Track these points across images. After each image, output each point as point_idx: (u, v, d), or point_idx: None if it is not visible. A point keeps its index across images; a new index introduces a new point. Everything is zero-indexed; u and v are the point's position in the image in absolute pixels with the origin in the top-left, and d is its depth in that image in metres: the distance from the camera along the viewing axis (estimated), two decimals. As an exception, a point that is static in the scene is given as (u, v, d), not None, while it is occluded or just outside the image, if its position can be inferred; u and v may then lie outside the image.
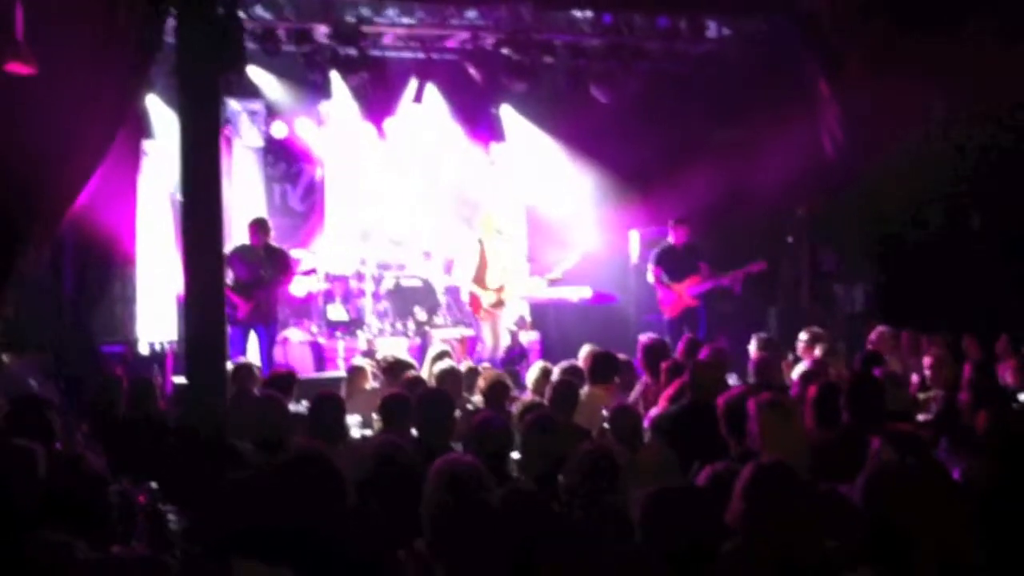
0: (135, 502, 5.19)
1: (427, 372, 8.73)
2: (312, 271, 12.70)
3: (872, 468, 3.74)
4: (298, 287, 12.87)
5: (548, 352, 12.79)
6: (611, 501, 4.40)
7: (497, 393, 7.46)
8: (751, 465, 3.86)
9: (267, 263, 11.37)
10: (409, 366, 8.85)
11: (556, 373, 8.01)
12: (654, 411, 7.28)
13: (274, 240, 11.81)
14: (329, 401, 6.61)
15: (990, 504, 4.64)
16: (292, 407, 7.25)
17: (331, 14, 12.20)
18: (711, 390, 6.52)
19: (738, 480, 3.82)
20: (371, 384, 8.88)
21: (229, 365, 8.43)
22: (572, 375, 7.86)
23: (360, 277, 13.07)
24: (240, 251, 11.37)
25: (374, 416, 7.18)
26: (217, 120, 8.38)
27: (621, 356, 8.64)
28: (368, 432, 7.43)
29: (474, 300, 11.94)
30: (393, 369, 8.65)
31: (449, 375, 8.03)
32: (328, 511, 4.78)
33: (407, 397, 6.76)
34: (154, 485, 5.32)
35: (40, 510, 4.32)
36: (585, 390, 7.72)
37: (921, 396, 8.29)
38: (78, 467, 4.52)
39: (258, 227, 11.62)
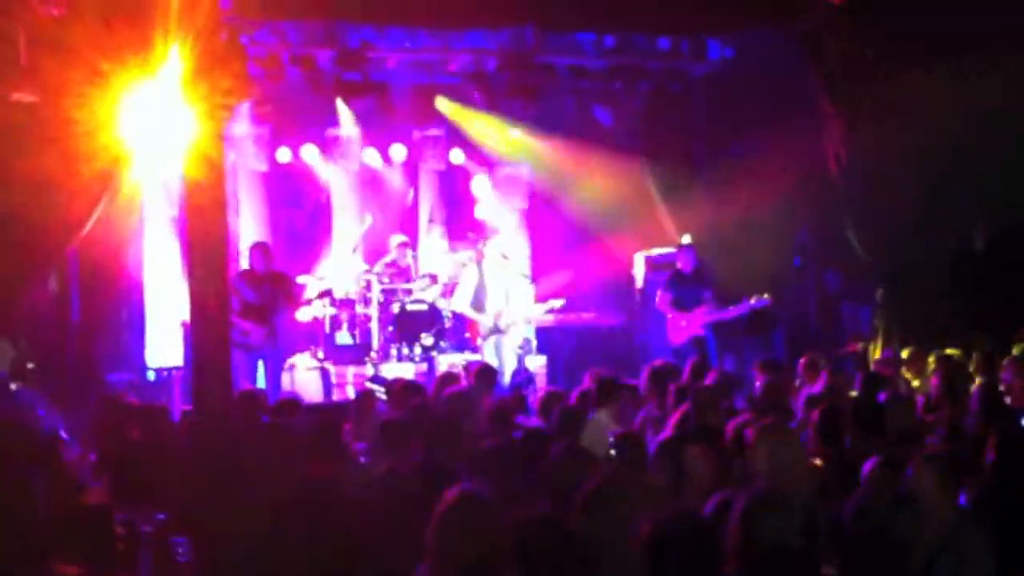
0: (140, 532, 5.20)
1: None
2: (327, 293, 12.70)
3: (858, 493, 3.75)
4: (303, 312, 12.87)
5: (554, 376, 12.81)
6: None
7: (501, 419, 7.44)
8: (743, 495, 3.87)
9: (272, 288, 11.38)
10: (417, 390, 8.82)
11: (565, 398, 8.00)
12: (661, 436, 7.25)
13: (277, 265, 11.82)
14: (330, 426, 6.60)
15: (998, 529, 4.64)
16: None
17: (334, 39, 12.25)
18: (715, 416, 6.51)
19: (734, 509, 3.83)
20: (380, 411, 8.85)
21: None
22: (579, 399, 7.85)
23: (366, 302, 13.07)
24: (245, 276, 11.38)
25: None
26: (221, 147, 8.39)
27: (627, 380, 8.61)
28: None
29: (472, 326, 11.96)
30: (401, 394, 8.62)
31: (457, 399, 8.00)
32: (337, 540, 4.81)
33: (407, 421, 6.75)
34: (161, 516, 5.34)
35: (45, 542, 4.32)
36: (592, 414, 7.70)
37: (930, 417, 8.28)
38: (82, 499, 4.52)
39: (260, 252, 11.62)
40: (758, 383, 8.79)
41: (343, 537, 4.85)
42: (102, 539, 4.26)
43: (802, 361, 9.77)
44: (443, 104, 13.68)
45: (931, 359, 9.50)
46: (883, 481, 5.04)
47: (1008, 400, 8.05)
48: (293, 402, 8.28)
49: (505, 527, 4.15)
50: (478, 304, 11.83)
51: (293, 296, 11.80)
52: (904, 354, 9.80)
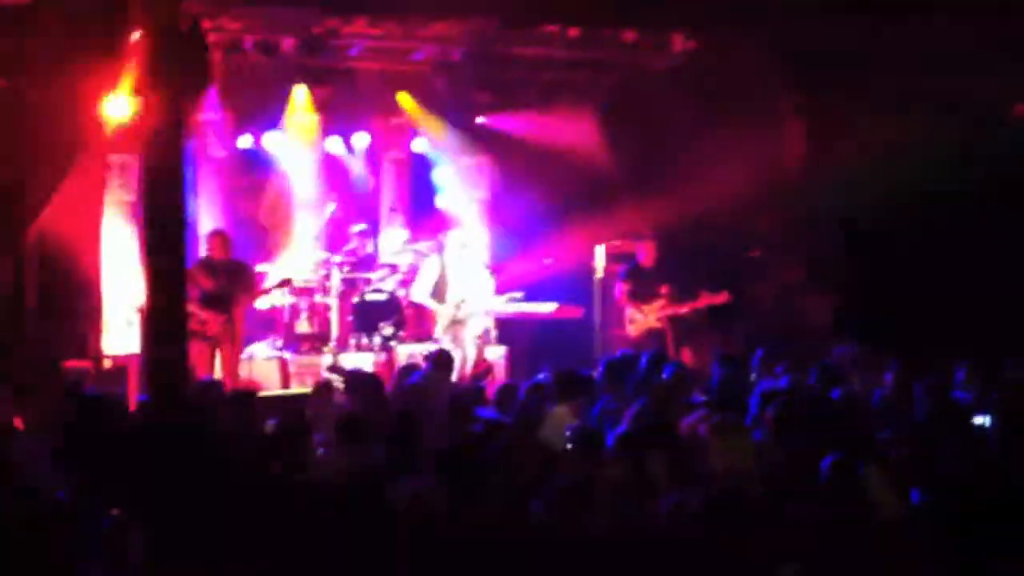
0: (97, 527, 5.18)
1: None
2: (287, 282, 12.68)
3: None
4: (263, 301, 12.82)
5: (514, 367, 12.84)
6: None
7: (461, 413, 7.47)
8: (701, 497, 3.92)
9: (231, 277, 11.34)
10: (376, 383, 8.83)
11: (522, 391, 8.03)
12: (618, 429, 7.29)
13: (236, 252, 11.77)
14: (294, 426, 6.60)
15: (948, 533, 4.72)
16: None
17: (298, 25, 12.17)
18: (672, 411, 6.57)
19: (689, 512, 3.88)
20: (338, 401, 8.86)
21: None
22: (537, 393, 7.88)
23: (326, 291, 13.04)
24: (203, 264, 11.33)
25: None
26: (181, 134, 8.33)
27: (585, 373, 8.66)
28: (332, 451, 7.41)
29: (430, 319, 12.00)
30: (359, 387, 8.63)
31: (417, 392, 8.03)
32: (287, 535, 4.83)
33: (365, 416, 6.78)
34: (116, 511, 5.31)
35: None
36: (551, 408, 7.73)
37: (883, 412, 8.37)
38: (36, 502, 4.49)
39: (219, 239, 11.58)
40: (714, 379, 8.88)
41: (303, 534, 4.87)
42: (57, 539, 4.21)
43: (758, 354, 9.87)
44: (404, 99, 13.66)
45: (887, 356, 9.61)
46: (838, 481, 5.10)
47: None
48: (250, 393, 8.27)
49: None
50: (438, 295, 11.87)
51: (251, 286, 11.77)
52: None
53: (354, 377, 9.09)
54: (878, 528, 3.87)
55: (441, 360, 9.61)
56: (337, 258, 13.19)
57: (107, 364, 12.11)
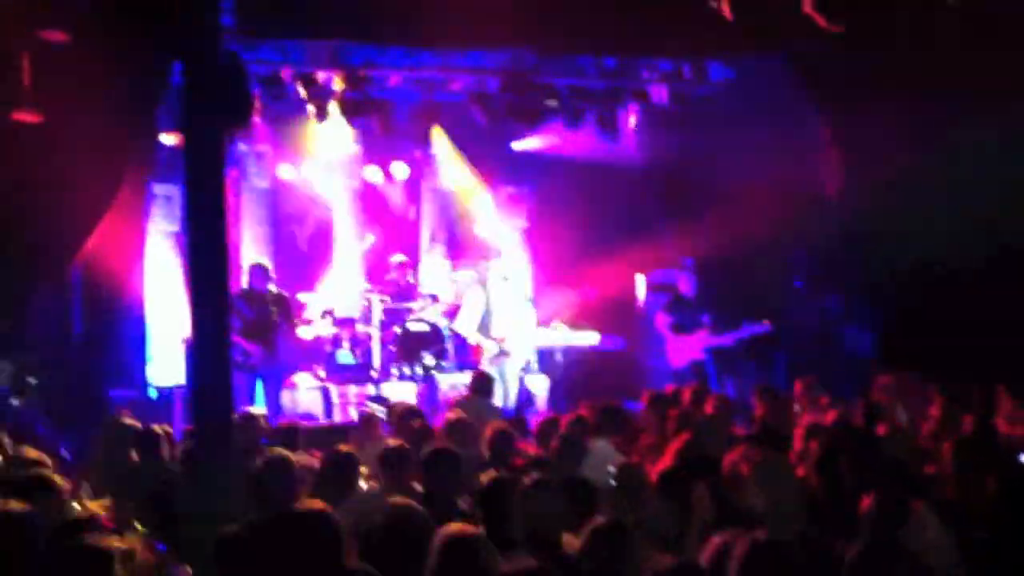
0: (139, 559, 5.20)
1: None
2: (330, 312, 12.73)
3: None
4: (306, 330, 12.89)
5: (555, 397, 12.81)
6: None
7: (502, 447, 7.44)
8: (745, 542, 3.88)
9: (272, 307, 11.42)
10: (418, 415, 8.83)
11: (562, 425, 8.00)
12: (660, 464, 7.24)
13: (278, 282, 11.86)
14: (342, 461, 6.60)
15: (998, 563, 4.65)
16: (297, 457, 7.23)
17: (337, 57, 12.27)
18: (715, 446, 6.52)
19: (732, 558, 3.84)
20: (382, 433, 8.85)
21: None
22: (579, 427, 7.84)
23: (367, 321, 13.08)
24: (245, 295, 11.40)
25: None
26: (223, 166, 8.36)
27: (626, 406, 8.63)
28: (376, 484, 7.40)
29: (476, 350, 12.01)
30: (403, 418, 8.62)
31: (458, 426, 8.01)
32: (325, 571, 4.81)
33: (408, 450, 6.77)
34: (162, 547, 5.33)
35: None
36: (592, 442, 7.69)
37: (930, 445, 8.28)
38: (80, 534, 4.50)
39: (260, 270, 11.68)
40: (756, 411, 8.81)
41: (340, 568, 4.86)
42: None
43: (798, 387, 9.79)
44: (439, 135, 13.75)
45: (932, 386, 9.49)
46: (881, 523, 5.03)
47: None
48: (292, 428, 8.28)
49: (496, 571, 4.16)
50: (483, 328, 11.89)
51: (292, 316, 11.85)
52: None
53: (396, 409, 9.07)
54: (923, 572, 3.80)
55: (480, 385, 9.62)
56: (378, 288, 13.23)
57: (153, 393, 12.22)
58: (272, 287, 11.69)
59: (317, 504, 5.10)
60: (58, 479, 5.96)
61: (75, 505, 5.95)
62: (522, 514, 5.51)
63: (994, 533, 5.04)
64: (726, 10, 10.17)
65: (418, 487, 6.52)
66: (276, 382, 11.50)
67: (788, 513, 5.36)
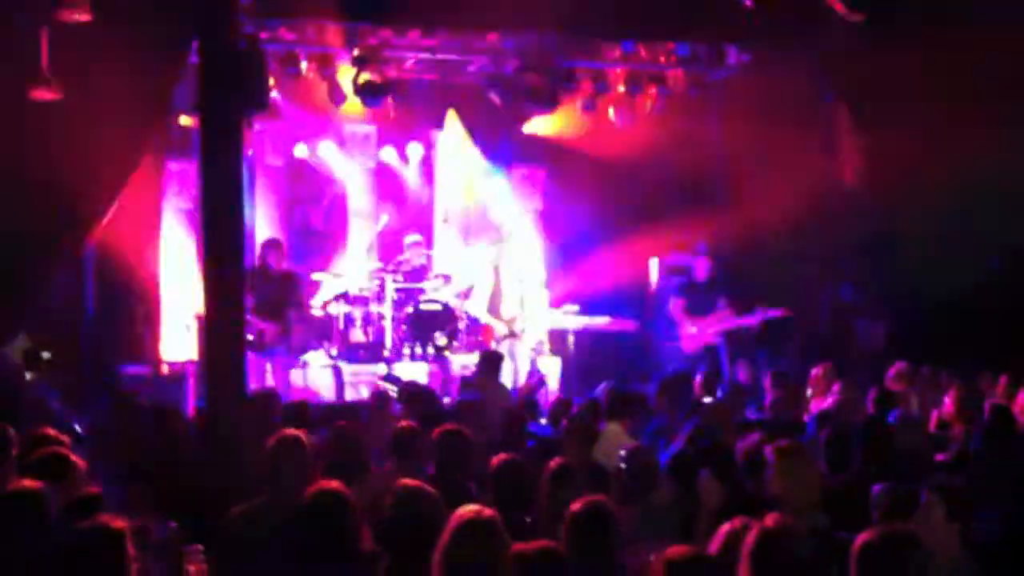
0: (153, 541, 5.23)
1: None
2: (343, 296, 12.80)
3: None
4: (316, 310, 12.94)
5: (567, 379, 12.82)
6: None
7: (515, 430, 7.47)
8: (756, 530, 3.89)
9: (285, 286, 11.46)
10: (431, 395, 8.85)
11: (574, 408, 8.02)
12: (670, 448, 7.27)
13: (292, 261, 11.88)
14: (348, 438, 6.63)
15: (1003, 556, 4.65)
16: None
17: (353, 38, 12.26)
18: (726, 432, 6.54)
19: (743, 545, 3.86)
20: (394, 412, 8.86)
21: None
22: (590, 410, 7.87)
23: (380, 300, 13.09)
24: (259, 273, 11.42)
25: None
26: (239, 145, 8.41)
27: (637, 390, 8.65)
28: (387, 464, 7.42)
29: (487, 330, 12.03)
30: (413, 400, 8.65)
31: (468, 408, 8.04)
32: (340, 552, 4.85)
33: (419, 431, 6.80)
34: (173, 524, 5.37)
35: (51, 557, 4.35)
36: (604, 426, 7.71)
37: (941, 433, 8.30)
38: (93, 512, 4.54)
39: (274, 249, 11.71)
40: (767, 396, 8.83)
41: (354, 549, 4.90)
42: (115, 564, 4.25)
43: (814, 373, 9.80)
44: (453, 117, 13.74)
45: (945, 375, 9.50)
46: (889, 512, 5.04)
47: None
48: (302, 406, 8.30)
49: (509, 553, 4.18)
50: (493, 308, 11.91)
51: (303, 295, 11.88)
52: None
53: (408, 389, 9.09)
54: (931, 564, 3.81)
55: (489, 364, 9.63)
56: (391, 268, 13.24)
57: (165, 370, 12.27)
58: (285, 265, 11.72)
59: (332, 485, 5.14)
60: (72, 457, 6.01)
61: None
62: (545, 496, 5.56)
63: (1007, 524, 5.04)
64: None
65: (429, 468, 6.56)
66: (286, 362, 11.54)
67: (805, 501, 5.37)
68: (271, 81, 11.59)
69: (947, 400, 8.58)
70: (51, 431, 6.73)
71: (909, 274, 11.78)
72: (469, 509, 4.29)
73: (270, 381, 11.25)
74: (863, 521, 5.03)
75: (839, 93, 11.83)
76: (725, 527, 4.26)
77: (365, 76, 12.22)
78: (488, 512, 4.24)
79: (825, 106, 12.00)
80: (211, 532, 5.42)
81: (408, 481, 5.11)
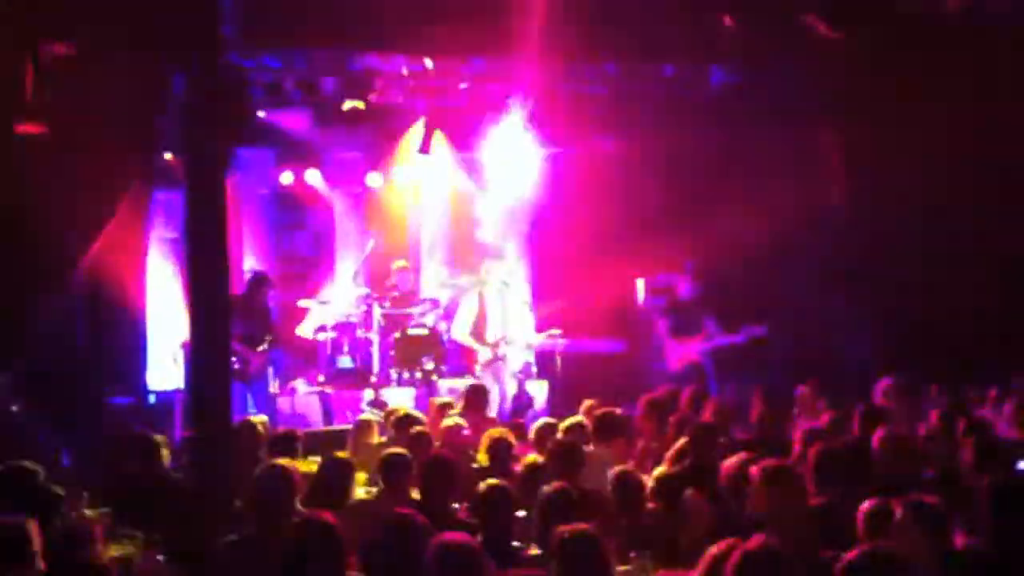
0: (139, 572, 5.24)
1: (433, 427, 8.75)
2: (322, 328, 12.87)
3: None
4: (304, 337, 12.98)
5: (554, 400, 12.82)
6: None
7: (500, 453, 7.48)
8: (739, 551, 3.91)
9: (270, 316, 11.54)
10: (416, 421, 8.85)
11: (560, 432, 8.02)
12: (657, 471, 7.27)
13: (279, 289, 11.92)
14: (338, 468, 6.64)
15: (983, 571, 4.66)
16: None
17: (338, 65, 12.31)
18: (712, 451, 6.55)
19: (728, 567, 3.87)
20: (378, 439, 8.88)
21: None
22: (576, 434, 7.87)
23: (367, 326, 13.11)
24: (244, 303, 11.45)
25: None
26: (223, 176, 8.44)
27: (622, 411, 8.64)
28: (374, 490, 7.44)
29: (470, 354, 12.04)
30: (400, 424, 8.65)
31: (454, 433, 8.04)
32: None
33: (407, 457, 6.81)
34: (160, 557, 5.37)
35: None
36: (590, 449, 7.72)
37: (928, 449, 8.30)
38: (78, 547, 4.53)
39: (258, 279, 11.77)
40: (754, 415, 8.84)
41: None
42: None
43: (801, 391, 9.82)
44: (439, 141, 13.79)
45: (932, 389, 9.53)
46: (873, 530, 5.05)
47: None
48: (291, 435, 8.30)
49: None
50: (477, 332, 11.91)
51: (273, 329, 11.95)
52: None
53: (393, 415, 9.09)
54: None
55: (474, 399, 9.64)
56: (378, 294, 13.26)
57: (152, 399, 12.24)
58: (270, 295, 11.80)
59: (319, 514, 5.15)
60: (57, 489, 6.00)
61: (73, 515, 5.96)
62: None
63: (987, 541, 5.06)
64: (728, 19, 10.23)
65: (416, 494, 6.57)
66: (265, 391, 11.57)
67: (792, 522, 5.38)
68: (259, 113, 11.65)
69: (933, 415, 8.59)
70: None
71: (896, 288, 11.83)
72: (449, 536, 4.30)
73: (252, 410, 11.27)
74: (850, 540, 5.05)
75: (823, 112, 11.90)
76: (712, 550, 4.27)
77: (350, 103, 12.28)
78: (467, 539, 4.25)
79: (810, 125, 12.06)
80: (199, 563, 5.42)
81: (397, 509, 5.12)
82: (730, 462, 6.12)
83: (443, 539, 4.26)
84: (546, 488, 5.77)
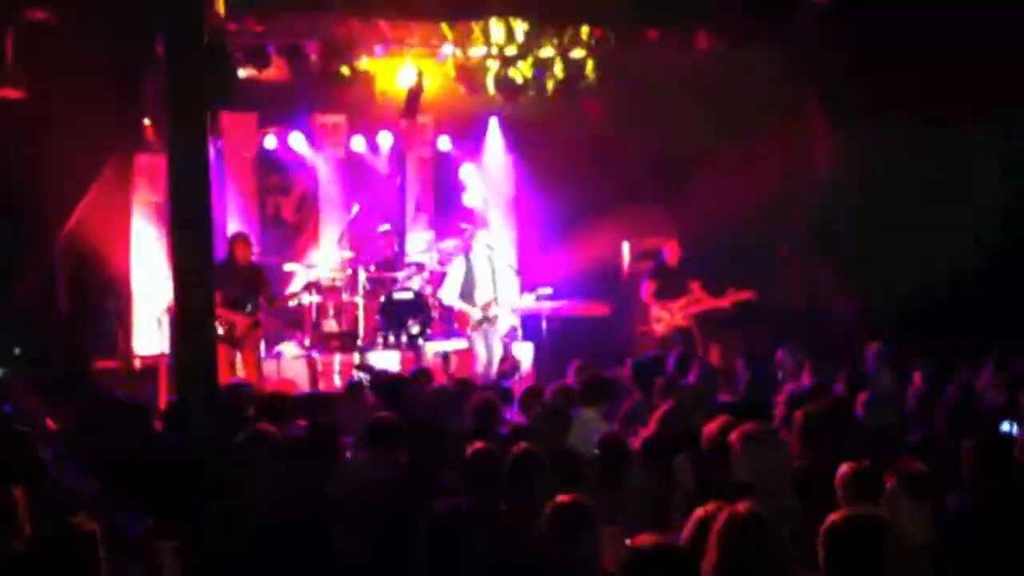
0: (128, 539, 5.23)
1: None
2: (312, 285, 12.83)
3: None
4: (287, 301, 12.95)
5: (540, 364, 12.87)
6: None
7: (487, 416, 7.48)
8: (726, 515, 3.93)
9: (254, 279, 11.49)
10: (402, 385, 8.86)
11: (547, 395, 8.03)
12: (644, 432, 7.29)
13: (263, 252, 11.89)
14: (323, 433, 6.64)
15: (972, 535, 4.70)
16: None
17: (321, 29, 12.23)
18: (697, 416, 6.57)
19: (712, 530, 3.89)
20: (369, 401, 8.87)
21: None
22: (563, 397, 7.88)
23: (352, 290, 13.09)
24: (227, 267, 11.41)
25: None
26: (206, 139, 8.40)
27: (609, 374, 8.67)
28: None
29: (461, 316, 12.09)
30: (386, 390, 8.65)
31: (440, 396, 8.05)
32: (315, 550, 4.86)
33: (394, 421, 6.81)
34: (149, 521, 5.36)
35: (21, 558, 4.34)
36: (577, 412, 7.73)
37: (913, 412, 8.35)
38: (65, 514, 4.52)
39: (241, 242, 11.71)
40: (740, 379, 8.87)
41: (328, 546, 4.91)
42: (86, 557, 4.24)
43: (783, 354, 9.85)
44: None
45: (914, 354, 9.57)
46: (854, 494, 5.08)
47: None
48: (280, 398, 8.30)
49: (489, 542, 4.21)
50: (466, 295, 11.94)
51: (270, 287, 11.90)
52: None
53: (380, 379, 9.10)
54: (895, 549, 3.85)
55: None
56: (363, 258, 13.24)
57: (137, 364, 12.23)
58: (253, 259, 11.72)
59: (307, 480, 5.16)
60: (45, 455, 6.00)
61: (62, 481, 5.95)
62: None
63: (974, 503, 5.09)
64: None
65: (401, 458, 6.57)
66: (257, 354, 11.54)
67: (775, 486, 5.40)
68: (239, 72, 11.56)
69: (917, 379, 8.64)
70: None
71: (883, 253, 11.85)
72: (446, 502, 4.31)
73: (241, 374, 11.26)
74: (834, 504, 5.08)
75: (810, 80, 11.88)
76: (697, 513, 4.29)
77: (333, 66, 12.21)
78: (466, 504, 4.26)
79: (797, 92, 12.04)
80: (185, 529, 5.43)
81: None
82: (711, 426, 6.13)
83: (436, 508, 4.26)
84: (513, 449, 5.76)
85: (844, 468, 5.23)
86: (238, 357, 11.43)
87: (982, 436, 5.60)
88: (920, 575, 4.47)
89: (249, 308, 11.39)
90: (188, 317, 8.00)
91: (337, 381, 12.17)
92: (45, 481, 5.71)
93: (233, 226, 13.30)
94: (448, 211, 14.71)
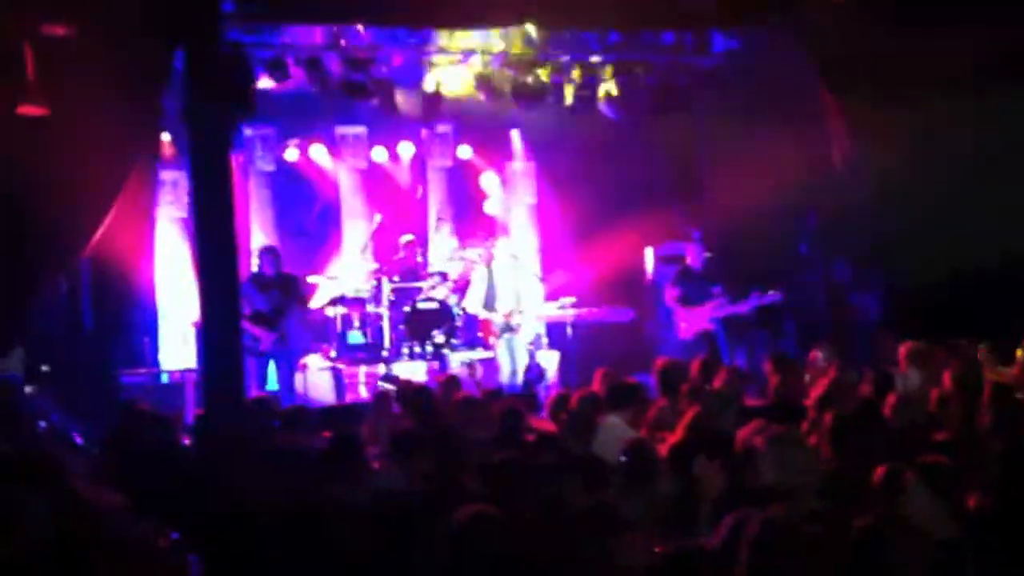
0: (155, 546, 5.23)
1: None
2: (339, 299, 12.86)
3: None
4: (316, 312, 12.98)
5: (566, 371, 12.84)
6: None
7: (512, 424, 7.46)
8: (758, 521, 3.89)
9: (282, 292, 11.47)
10: (427, 395, 8.84)
11: (573, 401, 8.00)
12: (670, 438, 7.25)
13: (287, 265, 11.88)
14: (349, 443, 6.63)
15: (994, 534, 4.65)
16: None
17: (340, 40, 12.25)
18: (727, 420, 6.53)
19: (744, 536, 3.86)
20: (396, 412, 8.86)
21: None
22: (589, 403, 7.85)
23: (377, 301, 13.11)
24: (254, 281, 11.42)
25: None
26: (227, 151, 8.44)
27: (634, 379, 8.63)
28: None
29: (485, 325, 12.09)
30: (411, 400, 8.64)
31: (464, 406, 8.03)
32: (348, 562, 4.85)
33: (415, 431, 6.80)
34: (175, 535, 5.36)
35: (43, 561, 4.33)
36: (603, 418, 7.70)
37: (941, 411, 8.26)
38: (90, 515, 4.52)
39: (269, 255, 11.71)
40: (770, 381, 8.81)
41: (351, 557, 4.89)
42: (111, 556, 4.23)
43: (812, 356, 9.78)
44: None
45: (943, 352, 9.46)
46: (885, 495, 5.03)
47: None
48: (303, 410, 8.30)
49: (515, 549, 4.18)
50: (489, 304, 11.95)
51: (303, 298, 11.88)
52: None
53: (404, 390, 9.09)
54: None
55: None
56: (386, 268, 13.25)
57: (164, 378, 12.27)
58: (281, 271, 11.72)
59: (333, 491, 5.14)
60: (68, 466, 6.00)
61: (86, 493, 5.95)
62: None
63: (996, 502, 5.03)
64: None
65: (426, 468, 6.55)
66: (288, 366, 11.53)
67: (803, 490, 5.36)
68: (259, 84, 11.59)
69: (946, 377, 8.54)
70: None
71: (902, 249, 11.75)
72: (471, 508, 4.28)
73: (272, 386, 11.27)
74: (864, 505, 5.03)
75: (825, 75, 11.80)
76: (728, 519, 4.24)
77: (353, 77, 12.23)
78: (491, 510, 4.23)
79: (812, 89, 11.96)
80: (212, 541, 5.42)
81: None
82: (743, 430, 6.08)
83: (460, 515, 4.24)
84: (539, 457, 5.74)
85: (880, 471, 5.18)
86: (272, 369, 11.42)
87: (1011, 436, 5.54)
88: (941, 571, 4.41)
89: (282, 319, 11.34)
90: (214, 330, 8.05)
91: (363, 392, 12.19)
92: (68, 493, 5.71)
93: (256, 239, 13.34)
94: (470, 220, 14.70)
